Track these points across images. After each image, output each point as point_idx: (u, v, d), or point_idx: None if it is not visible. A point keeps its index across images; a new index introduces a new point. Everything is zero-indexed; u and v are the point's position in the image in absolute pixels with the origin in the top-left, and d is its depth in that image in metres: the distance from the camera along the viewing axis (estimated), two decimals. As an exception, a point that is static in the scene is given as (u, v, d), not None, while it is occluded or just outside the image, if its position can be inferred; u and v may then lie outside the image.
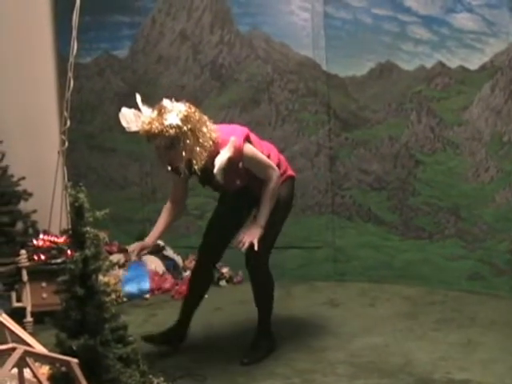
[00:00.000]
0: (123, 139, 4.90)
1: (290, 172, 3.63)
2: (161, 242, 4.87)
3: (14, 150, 4.83)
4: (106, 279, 2.62)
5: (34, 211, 4.85)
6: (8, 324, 2.74)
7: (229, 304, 4.36)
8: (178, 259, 4.95)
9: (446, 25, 4.30)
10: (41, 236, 4.34)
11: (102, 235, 2.60)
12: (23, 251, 4.11)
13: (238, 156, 3.29)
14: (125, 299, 4.38)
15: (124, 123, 3.31)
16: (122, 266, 4.57)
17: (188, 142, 3.20)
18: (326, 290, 4.61)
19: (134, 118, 3.28)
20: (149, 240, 3.52)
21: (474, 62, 4.23)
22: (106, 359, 2.52)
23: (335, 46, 4.63)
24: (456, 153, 4.41)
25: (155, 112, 3.22)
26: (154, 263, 4.83)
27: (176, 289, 4.63)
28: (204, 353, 3.64)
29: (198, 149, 3.23)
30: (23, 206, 4.83)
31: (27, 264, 4.08)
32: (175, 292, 4.59)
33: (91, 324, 2.52)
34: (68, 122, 4.84)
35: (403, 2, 4.41)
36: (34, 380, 2.24)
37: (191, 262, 4.70)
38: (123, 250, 4.48)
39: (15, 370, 2.18)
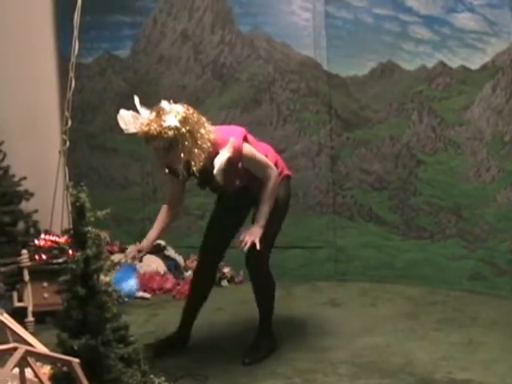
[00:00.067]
0: (124, 139, 4.87)
1: (287, 171, 3.64)
2: (162, 242, 4.88)
3: (15, 149, 4.83)
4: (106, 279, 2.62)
5: (36, 211, 4.85)
6: (9, 324, 2.74)
7: (230, 304, 4.36)
8: (180, 259, 4.96)
9: (448, 25, 4.30)
10: (42, 236, 4.34)
11: (104, 235, 2.60)
12: (24, 251, 4.11)
13: (237, 156, 3.30)
14: (126, 299, 4.38)
15: (122, 125, 3.31)
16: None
17: (186, 143, 3.20)
18: (327, 289, 4.61)
19: (132, 120, 3.28)
20: (145, 243, 3.51)
21: (475, 62, 4.23)
22: (108, 359, 2.52)
23: (336, 46, 4.63)
24: (457, 152, 4.41)
25: (153, 114, 3.22)
26: (155, 263, 4.84)
27: (177, 289, 4.63)
28: (205, 353, 3.64)
29: (196, 150, 3.23)
30: (24, 205, 4.83)
31: (28, 264, 4.09)
32: (176, 292, 4.59)
33: (92, 324, 2.52)
34: (69, 122, 4.84)
35: (404, 1, 4.41)
36: (36, 380, 2.24)
37: (192, 262, 4.70)
38: (124, 250, 4.47)
39: (16, 370, 2.18)
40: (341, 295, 4.49)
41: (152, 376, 2.81)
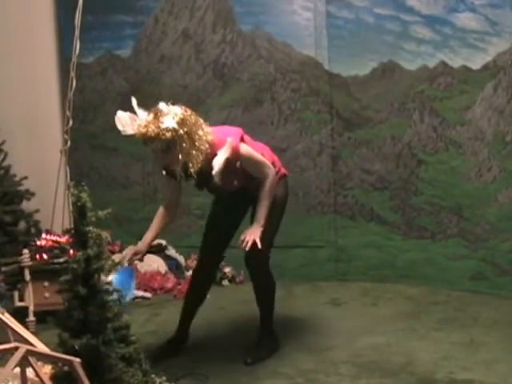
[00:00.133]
0: (125, 139, 4.80)
1: (283, 171, 3.65)
2: (163, 242, 4.88)
3: (16, 149, 4.84)
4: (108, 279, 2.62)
5: (37, 211, 4.86)
6: (10, 323, 2.74)
7: (231, 304, 4.36)
8: (181, 259, 4.96)
9: (449, 24, 4.29)
10: (43, 235, 4.35)
11: (105, 235, 2.60)
12: (26, 251, 4.12)
13: (235, 156, 3.31)
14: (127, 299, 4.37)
15: (120, 126, 3.30)
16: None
17: (184, 145, 3.20)
18: (328, 289, 4.61)
19: (130, 122, 3.27)
20: (142, 245, 3.49)
21: (476, 62, 4.22)
22: (109, 359, 2.51)
23: (337, 46, 4.63)
24: (459, 152, 4.41)
25: (151, 115, 3.21)
26: (156, 263, 4.84)
27: (178, 288, 4.63)
28: (206, 352, 3.64)
29: (194, 152, 3.23)
30: (26, 205, 4.84)
31: (30, 263, 4.09)
32: (177, 291, 4.60)
33: (93, 323, 2.51)
34: (70, 122, 4.84)
35: (406, 1, 4.40)
36: (37, 379, 2.24)
37: (193, 262, 4.69)
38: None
39: (18, 370, 2.18)
40: (342, 295, 4.49)
41: (153, 375, 2.81)
